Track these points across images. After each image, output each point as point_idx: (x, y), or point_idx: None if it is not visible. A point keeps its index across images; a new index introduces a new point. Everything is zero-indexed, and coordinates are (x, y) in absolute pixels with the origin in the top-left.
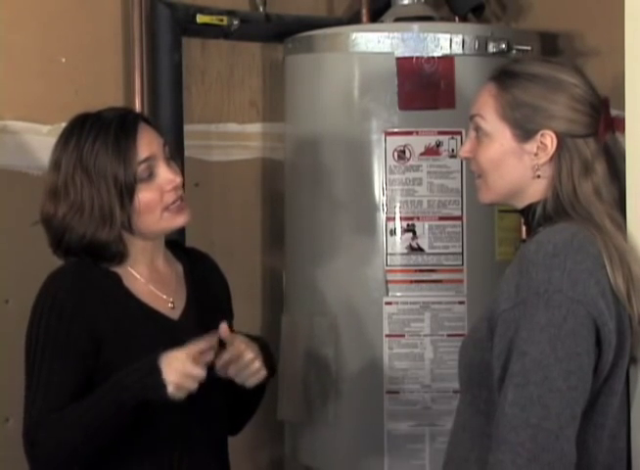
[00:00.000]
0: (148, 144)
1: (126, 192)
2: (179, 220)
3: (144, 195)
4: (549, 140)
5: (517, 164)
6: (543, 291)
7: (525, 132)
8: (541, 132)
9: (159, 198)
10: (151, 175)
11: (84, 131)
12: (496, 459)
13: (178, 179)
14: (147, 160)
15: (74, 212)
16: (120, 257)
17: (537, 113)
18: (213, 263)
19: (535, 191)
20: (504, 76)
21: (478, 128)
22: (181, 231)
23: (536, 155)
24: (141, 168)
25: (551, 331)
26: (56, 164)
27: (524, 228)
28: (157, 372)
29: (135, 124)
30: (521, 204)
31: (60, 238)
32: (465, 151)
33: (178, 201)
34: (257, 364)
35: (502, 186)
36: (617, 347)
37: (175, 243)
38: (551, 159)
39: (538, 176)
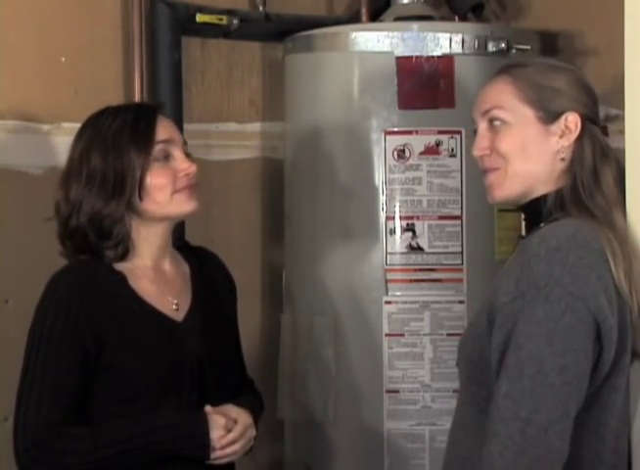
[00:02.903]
0: (166, 129)
1: (139, 168)
2: (189, 206)
3: (157, 174)
4: (573, 122)
5: (543, 146)
6: (543, 284)
7: (548, 114)
8: (566, 115)
9: (171, 180)
10: (167, 158)
11: (103, 115)
12: (486, 451)
13: (193, 168)
14: (165, 141)
15: (84, 186)
16: (125, 243)
17: (559, 95)
18: (220, 263)
19: (550, 180)
20: (515, 68)
21: (494, 121)
22: (181, 230)
23: (561, 137)
24: (158, 148)
25: (548, 325)
26: (72, 150)
27: (523, 224)
28: (204, 433)
29: (155, 111)
30: (529, 197)
31: (67, 220)
32: (481, 148)
33: (190, 186)
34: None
35: (526, 173)
36: (618, 342)
37: (183, 243)
38: (573, 142)
39: (562, 159)
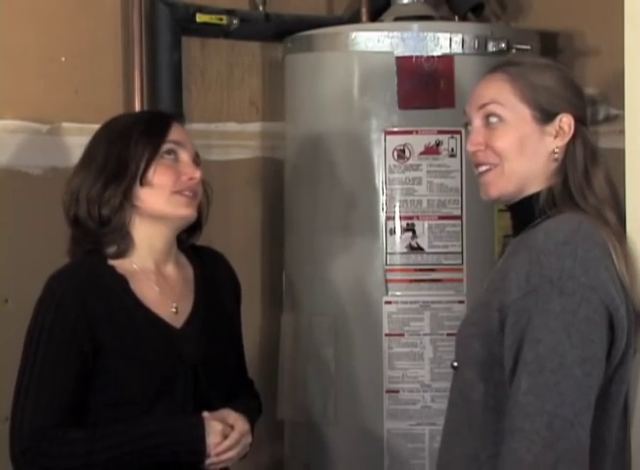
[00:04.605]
0: (178, 132)
1: (145, 159)
2: (185, 210)
3: (161, 171)
4: (568, 123)
5: (538, 145)
6: (557, 278)
7: (544, 115)
8: (560, 116)
9: (173, 180)
10: (174, 159)
11: (119, 116)
12: (509, 448)
13: (197, 173)
14: (174, 142)
15: (84, 171)
16: (123, 234)
17: (554, 95)
18: (226, 264)
19: (542, 178)
20: (510, 66)
21: (490, 116)
22: None
23: (555, 137)
24: (167, 146)
25: (566, 318)
26: (84, 149)
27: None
28: (200, 438)
29: (171, 117)
30: (521, 195)
31: (68, 211)
32: (476, 143)
33: (191, 192)
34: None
35: (522, 171)
36: (627, 333)
37: (189, 245)
38: (566, 143)
39: (555, 159)
